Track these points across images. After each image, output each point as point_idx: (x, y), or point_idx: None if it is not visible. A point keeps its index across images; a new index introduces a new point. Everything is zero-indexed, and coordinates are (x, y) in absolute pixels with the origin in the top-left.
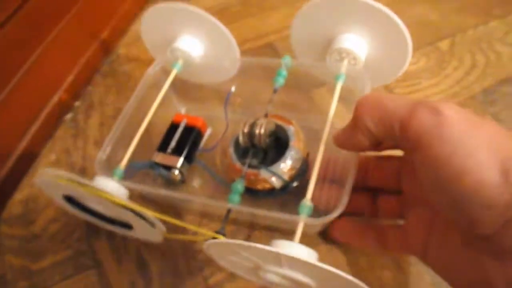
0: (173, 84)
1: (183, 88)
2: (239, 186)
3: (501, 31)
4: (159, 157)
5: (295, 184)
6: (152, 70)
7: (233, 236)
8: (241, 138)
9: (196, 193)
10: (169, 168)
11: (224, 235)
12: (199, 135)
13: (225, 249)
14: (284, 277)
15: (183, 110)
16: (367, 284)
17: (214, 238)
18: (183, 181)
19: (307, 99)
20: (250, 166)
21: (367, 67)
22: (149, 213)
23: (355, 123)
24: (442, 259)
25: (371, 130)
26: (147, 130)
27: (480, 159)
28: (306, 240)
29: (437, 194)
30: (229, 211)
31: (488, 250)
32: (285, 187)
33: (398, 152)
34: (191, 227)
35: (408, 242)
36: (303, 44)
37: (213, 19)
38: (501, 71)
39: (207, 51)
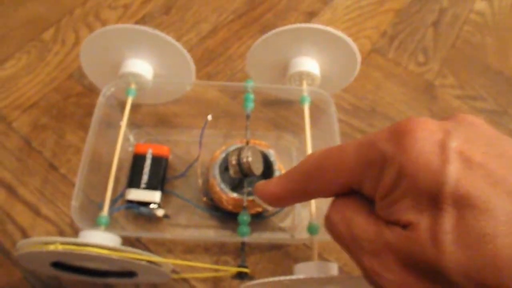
0: (113, 109)
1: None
2: (245, 217)
3: None
4: (133, 194)
5: None
6: (103, 98)
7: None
8: (231, 171)
9: (182, 225)
10: (146, 204)
11: (247, 267)
12: (167, 164)
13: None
14: None
15: (131, 137)
16: None
17: (240, 272)
18: (167, 216)
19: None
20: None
21: (322, 82)
22: (167, 261)
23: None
24: None
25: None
26: (94, 161)
27: None
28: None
29: None
30: (243, 244)
31: None
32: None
33: None
34: (215, 267)
35: None
36: (258, 71)
37: (163, 35)
38: None
39: (158, 70)
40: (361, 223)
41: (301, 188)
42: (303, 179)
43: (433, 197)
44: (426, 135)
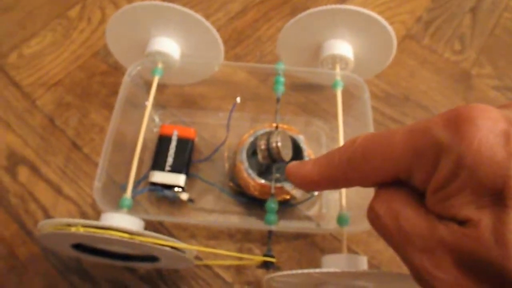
0: (139, 88)
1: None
2: (273, 205)
3: None
4: (157, 177)
5: (316, 193)
6: (129, 77)
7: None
8: (260, 156)
9: (206, 210)
10: (170, 187)
11: (273, 256)
12: (193, 147)
13: (291, 278)
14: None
15: (156, 118)
16: None
17: (266, 261)
18: (191, 200)
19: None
20: (271, 180)
21: (355, 67)
22: (192, 248)
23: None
24: None
25: None
26: (117, 141)
27: None
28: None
29: None
30: (270, 232)
31: None
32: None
33: None
34: (241, 255)
35: None
36: (289, 53)
37: (192, 12)
38: None
39: (186, 50)
40: (410, 216)
41: (341, 174)
42: (345, 165)
43: (497, 192)
44: (490, 124)
